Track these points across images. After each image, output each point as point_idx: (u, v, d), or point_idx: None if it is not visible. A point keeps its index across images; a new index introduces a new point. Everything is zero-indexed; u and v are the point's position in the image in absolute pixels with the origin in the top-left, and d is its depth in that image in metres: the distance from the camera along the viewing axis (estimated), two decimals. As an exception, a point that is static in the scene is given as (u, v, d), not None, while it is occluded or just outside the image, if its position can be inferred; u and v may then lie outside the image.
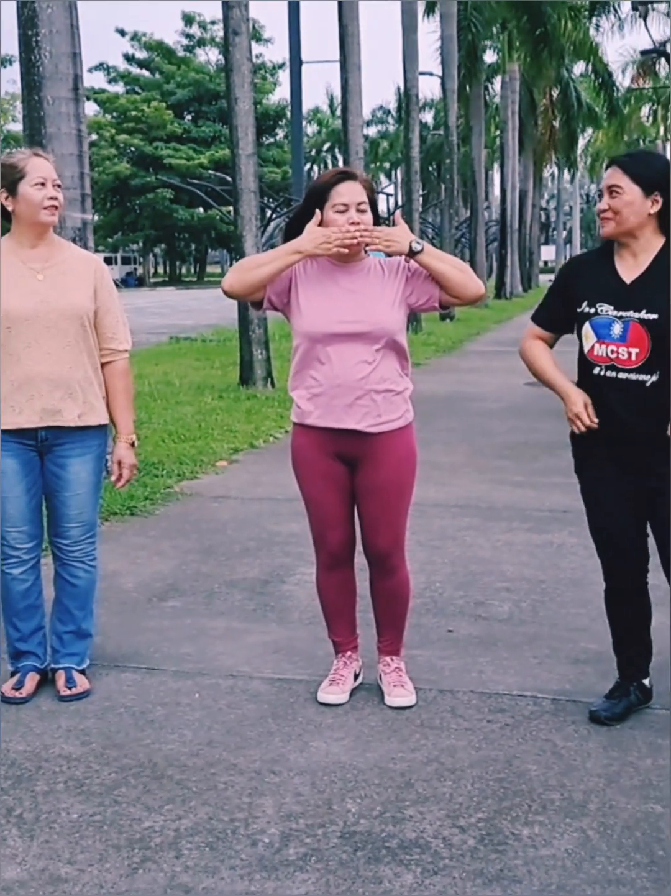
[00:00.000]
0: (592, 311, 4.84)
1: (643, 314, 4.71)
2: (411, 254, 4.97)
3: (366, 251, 5.15)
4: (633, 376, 4.76)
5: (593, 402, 4.88)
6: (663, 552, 4.96)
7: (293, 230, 5.14)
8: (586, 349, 4.87)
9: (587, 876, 3.88)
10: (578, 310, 4.90)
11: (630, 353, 4.74)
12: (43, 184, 5.19)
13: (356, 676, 5.55)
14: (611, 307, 4.79)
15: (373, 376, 5.04)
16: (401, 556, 5.41)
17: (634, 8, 45.74)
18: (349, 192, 4.98)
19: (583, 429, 4.90)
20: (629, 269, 4.84)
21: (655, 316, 4.69)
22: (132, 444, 5.55)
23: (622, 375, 4.77)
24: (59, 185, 5.30)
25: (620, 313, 4.76)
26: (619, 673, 5.29)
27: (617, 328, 4.76)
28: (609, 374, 4.81)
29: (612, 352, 4.78)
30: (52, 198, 5.22)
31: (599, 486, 5.02)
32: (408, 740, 4.97)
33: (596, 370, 4.84)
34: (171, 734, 5.05)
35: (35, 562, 5.54)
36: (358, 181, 5.04)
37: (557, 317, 5.10)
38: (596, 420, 4.86)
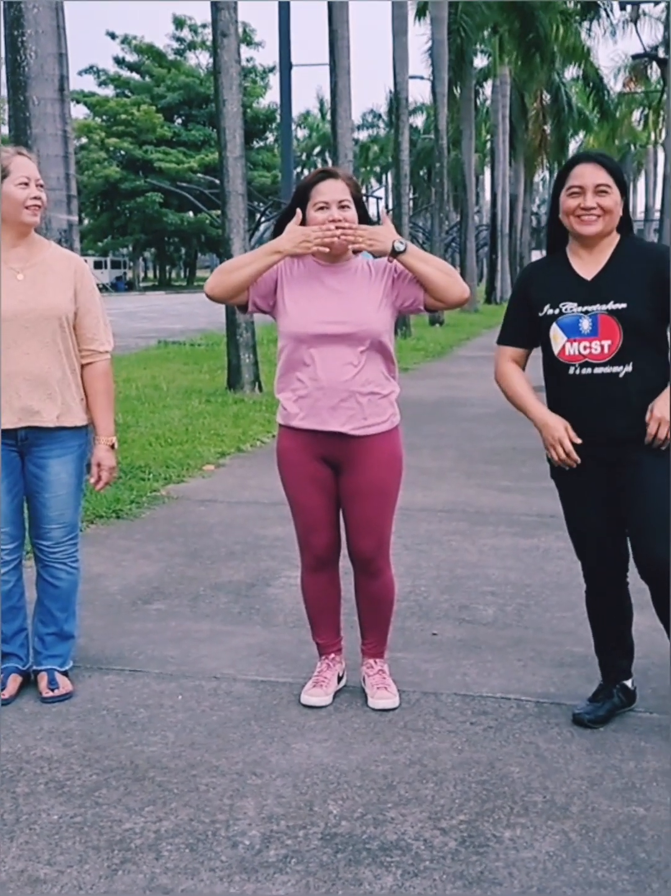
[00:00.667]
0: (556, 311, 4.83)
1: (611, 305, 4.71)
2: (394, 253, 4.96)
3: (354, 252, 5.15)
4: (607, 369, 4.74)
5: (569, 403, 4.87)
6: (638, 546, 4.94)
7: (279, 232, 5.14)
8: (556, 351, 4.84)
9: (568, 878, 3.87)
10: (541, 314, 4.88)
11: (602, 347, 4.73)
12: (26, 183, 5.17)
13: (340, 679, 5.54)
14: (575, 304, 4.78)
15: (357, 378, 5.02)
16: (386, 560, 5.40)
17: (622, 7, 45.69)
18: (330, 191, 4.97)
19: (562, 457, 4.87)
20: (587, 267, 4.84)
21: (624, 305, 4.70)
22: (112, 447, 5.53)
23: (597, 370, 4.75)
24: (41, 185, 5.27)
25: (586, 308, 4.75)
26: (602, 674, 5.29)
27: (585, 323, 4.75)
28: (584, 371, 4.78)
29: (585, 348, 4.76)
30: (35, 197, 5.19)
31: (576, 489, 5.02)
32: (390, 742, 4.96)
33: (571, 370, 4.81)
34: (154, 736, 5.04)
35: (16, 563, 5.52)
36: (339, 179, 5.03)
37: (523, 329, 5.07)
38: (575, 457, 4.84)
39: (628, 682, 5.27)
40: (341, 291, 5.05)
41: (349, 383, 5.01)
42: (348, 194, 4.99)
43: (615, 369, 4.73)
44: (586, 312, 4.75)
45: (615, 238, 4.87)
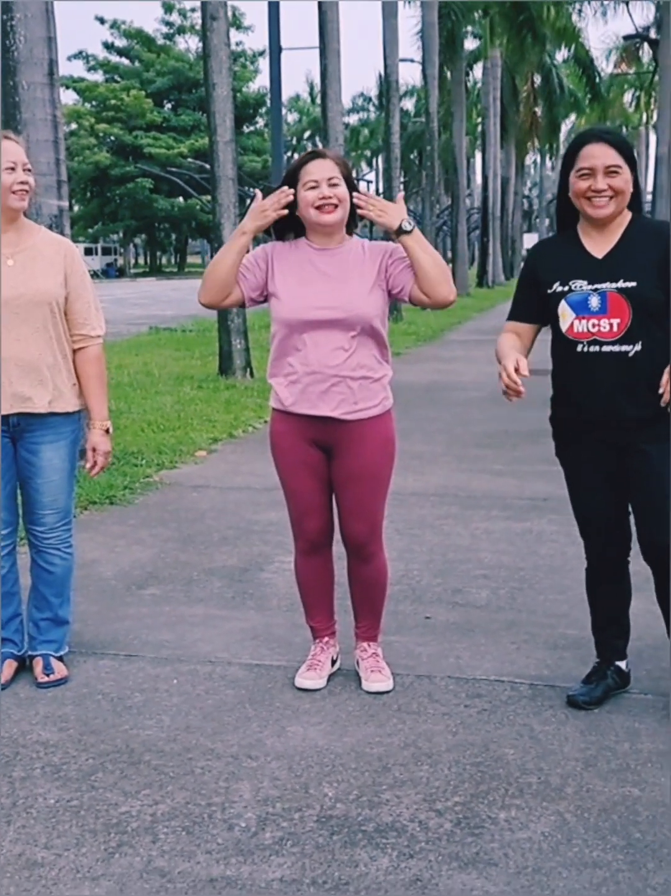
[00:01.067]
0: (566, 288, 4.80)
1: (620, 283, 4.69)
2: (399, 232, 4.94)
3: (357, 229, 5.15)
4: (616, 348, 4.71)
5: (577, 381, 4.86)
6: (642, 530, 4.97)
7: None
8: (564, 328, 4.82)
9: (563, 859, 3.89)
10: (550, 291, 4.86)
11: (611, 325, 4.71)
12: (12, 168, 5.11)
13: (334, 662, 5.56)
14: (585, 282, 4.76)
15: (348, 363, 5.02)
16: (379, 544, 5.41)
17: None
18: (318, 169, 4.95)
19: (506, 382, 4.78)
20: (598, 246, 4.81)
21: (634, 284, 4.68)
22: (107, 431, 5.52)
23: (606, 348, 4.73)
24: (29, 170, 5.22)
25: (596, 286, 4.73)
26: (598, 653, 5.31)
27: (594, 301, 4.73)
28: (592, 349, 4.76)
29: (594, 325, 4.74)
30: (22, 182, 5.13)
31: (582, 468, 5.01)
32: (385, 725, 4.98)
33: (579, 347, 4.79)
34: (149, 720, 5.05)
35: (10, 548, 5.52)
36: (328, 158, 5.01)
37: (532, 307, 5.03)
38: (520, 382, 4.75)
39: (623, 664, 5.29)
40: (333, 275, 5.04)
41: (340, 368, 5.01)
42: (338, 172, 4.96)
43: (624, 348, 4.71)
44: (595, 290, 4.73)
45: (626, 216, 4.83)
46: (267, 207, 4.97)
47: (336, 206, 4.95)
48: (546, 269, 4.92)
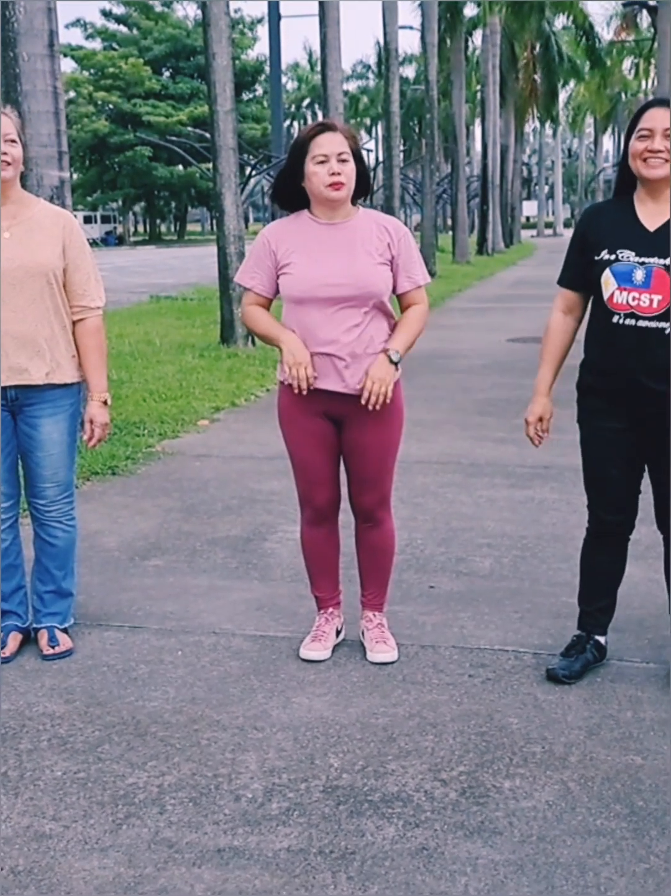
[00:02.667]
0: (612, 257, 4.75)
1: (668, 261, 4.64)
2: (395, 364, 5.07)
3: (362, 201, 5.14)
4: (653, 324, 4.67)
5: (609, 352, 4.83)
6: (660, 502, 4.98)
7: (279, 188, 5.13)
8: (606, 296, 4.77)
9: (568, 827, 3.91)
10: (596, 257, 4.80)
11: (652, 300, 4.66)
12: None
13: (338, 633, 5.57)
14: (633, 253, 4.70)
15: (362, 338, 5.01)
16: (388, 510, 5.44)
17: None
18: (328, 143, 4.91)
19: (531, 436, 5.08)
20: (651, 216, 4.75)
21: None
22: (105, 403, 5.50)
23: (642, 323, 4.69)
24: (12, 141, 5.10)
25: (643, 260, 4.68)
26: (580, 625, 5.32)
27: (639, 274, 4.67)
28: (628, 322, 4.72)
29: (634, 299, 4.69)
30: (3, 154, 5.06)
31: (601, 437, 4.99)
32: (390, 695, 5.00)
33: (615, 318, 4.75)
34: (155, 691, 5.07)
35: (13, 521, 5.53)
36: (338, 132, 4.96)
37: (581, 272, 4.96)
38: (540, 437, 5.13)
39: (602, 639, 5.29)
40: (342, 251, 5.01)
41: (354, 344, 5.00)
42: (347, 147, 4.92)
43: (662, 325, 4.66)
44: (642, 264, 4.68)
45: None
46: (291, 377, 5.04)
47: (344, 183, 4.93)
48: (596, 233, 4.86)
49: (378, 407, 5.02)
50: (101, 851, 3.81)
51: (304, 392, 5.02)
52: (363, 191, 5.12)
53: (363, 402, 5.00)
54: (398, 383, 5.21)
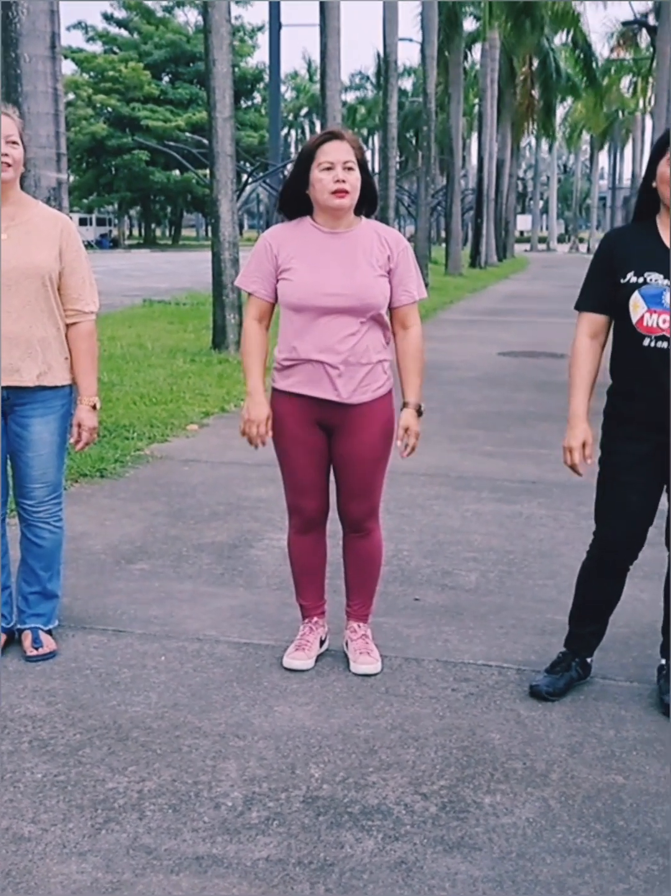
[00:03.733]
0: (640, 280, 4.68)
1: None
2: (420, 412, 5.29)
3: (373, 214, 5.14)
4: None
5: (639, 377, 4.75)
6: None
7: (286, 196, 5.14)
8: (635, 319, 4.70)
9: (547, 845, 3.91)
10: (623, 280, 4.74)
11: None
12: None
13: (322, 642, 5.56)
14: (661, 276, 4.64)
15: (357, 348, 5.01)
16: (376, 521, 5.43)
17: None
18: (335, 151, 4.90)
19: (568, 463, 4.93)
20: None
21: None
22: (94, 407, 5.50)
23: None
24: (13, 142, 5.10)
25: None
26: (567, 644, 5.30)
27: (668, 297, 4.62)
28: (659, 344, 4.66)
29: (664, 321, 4.63)
30: (3, 155, 5.06)
31: (625, 462, 4.90)
32: (372, 707, 4.99)
33: (646, 342, 4.69)
34: (137, 696, 5.06)
35: (-1, 521, 5.53)
36: (345, 140, 4.95)
37: (605, 293, 4.87)
38: (585, 464, 4.94)
39: (589, 659, 5.30)
40: (343, 261, 5.01)
41: (348, 354, 5.00)
42: (353, 156, 4.91)
43: None
44: None
45: None
46: (251, 434, 5.21)
47: (348, 192, 4.93)
48: (622, 256, 4.78)
49: (408, 455, 5.23)
50: (80, 856, 3.79)
51: (257, 448, 5.26)
52: (369, 204, 5.13)
53: (401, 455, 5.22)
54: (390, 394, 5.23)
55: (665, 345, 4.65)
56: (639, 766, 4.48)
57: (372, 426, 5.16)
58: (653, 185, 4.73)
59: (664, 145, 4.69)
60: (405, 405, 5.22)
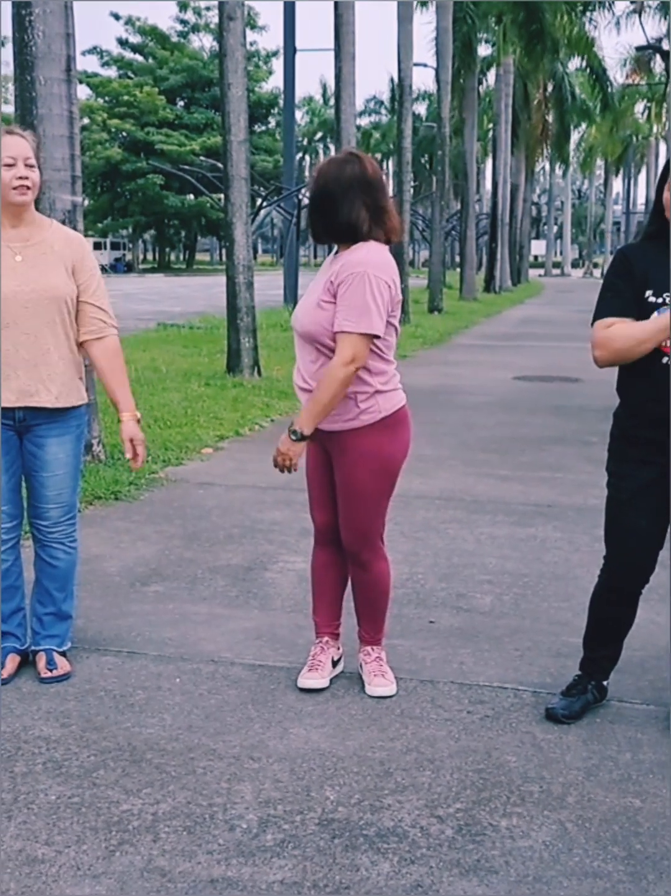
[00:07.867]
0: (659, 300, 4.64)
1: None
2: (302, 437, 5.02)
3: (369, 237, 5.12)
4: None
5: (654, 395, 4.69)
6: None
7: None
8: None
9: (564, 868, 3.88)
10: (644, 296, 4.68)
11: None
12: (12, 163, 5.05)
13: (336, 663, 5.54)
14: None
15: (317, 374, 5.01)
16: (372, 553, 5.35)
17: (628, -1, 45.58)
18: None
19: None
20: None
21: None
22: (138, 421, 5.53)
23: None
24: (31, 165, 5.13)
25: None
26: (582, 668, 5.27)
27: None
28: None
29: None
30: (22, 177, 5.07)
31: (633, 487, 4.88)
32: (387, 729, 4.97)
33: (664, 360, 4.64)
34: (151, 718, 5.04)
35: (15, 542, 5.52)
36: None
37: (630, 301, 4.73)
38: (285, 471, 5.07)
39: (605, 681, 5.27)
40: (315, 288, 5.08)
41: (314, 379, 5.03)
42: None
43: None
44: None
45: None
46: (282, 464, 5.11)
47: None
48: (642, 271, 4.72)
49: (284, 473, 5.16)
50: (94, 878, 3.78)
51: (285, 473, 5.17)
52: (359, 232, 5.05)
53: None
54: (370, 427, 5.09)
55: None
56: (656, 789, 4.45)
57: (347, 457, 5.13)
58: (664, 212, 4.72)
59: (667, 172, 4.71)
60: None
